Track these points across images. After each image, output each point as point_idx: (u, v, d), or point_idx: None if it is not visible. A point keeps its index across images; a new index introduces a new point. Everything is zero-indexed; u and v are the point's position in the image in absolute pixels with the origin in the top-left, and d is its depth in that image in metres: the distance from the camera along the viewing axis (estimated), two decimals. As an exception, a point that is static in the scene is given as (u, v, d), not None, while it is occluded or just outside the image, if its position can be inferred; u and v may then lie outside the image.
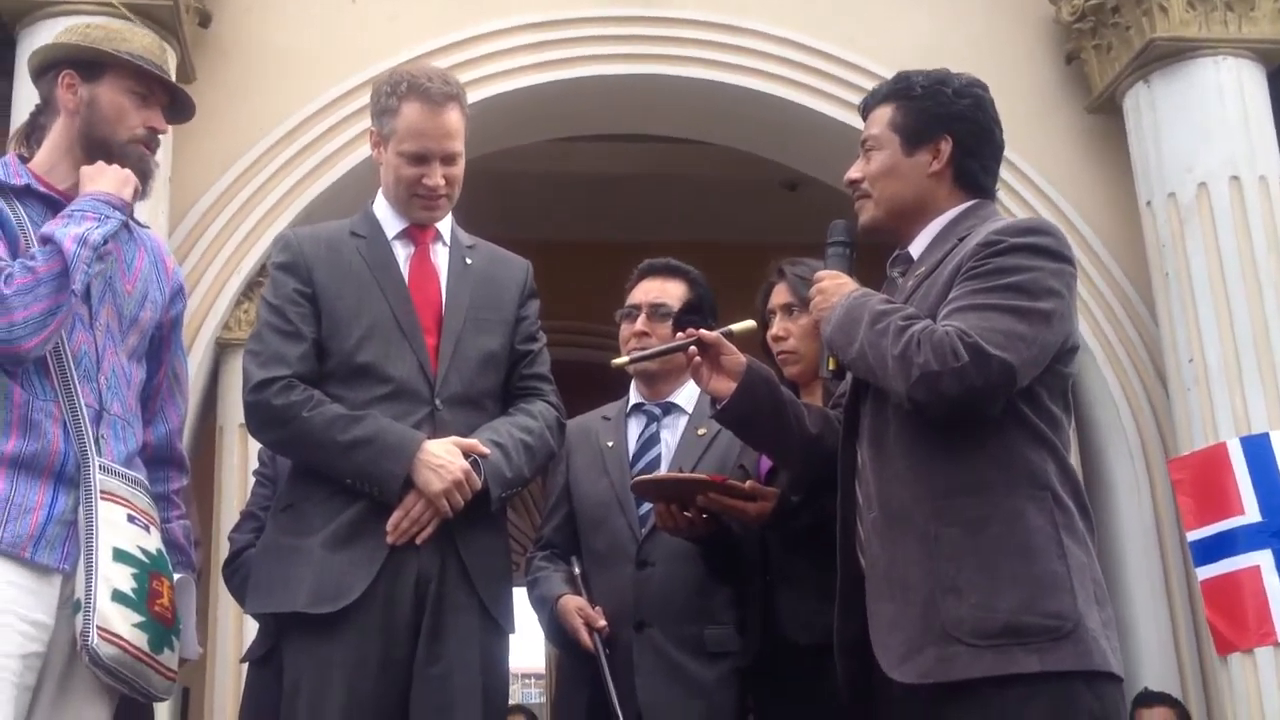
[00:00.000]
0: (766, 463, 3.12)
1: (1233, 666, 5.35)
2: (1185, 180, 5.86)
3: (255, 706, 3.26)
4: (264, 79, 5.96)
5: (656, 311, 3.31)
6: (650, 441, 3.31)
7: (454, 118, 2.85)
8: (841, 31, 6.34)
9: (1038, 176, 6.21)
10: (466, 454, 2.71)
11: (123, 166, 2.68)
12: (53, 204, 2.65)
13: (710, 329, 2.79)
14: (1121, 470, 6.21)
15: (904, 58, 5.71)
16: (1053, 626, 2.25)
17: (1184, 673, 5.91)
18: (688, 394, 3.35)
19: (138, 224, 2.82)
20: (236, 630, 5.38)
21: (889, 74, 5.74)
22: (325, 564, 2.67)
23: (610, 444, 3.32)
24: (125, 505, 2.56)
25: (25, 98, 5.17)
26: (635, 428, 3.35)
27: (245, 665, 3.55)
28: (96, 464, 2.54)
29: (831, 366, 2.60)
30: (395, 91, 2.85)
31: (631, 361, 3.06)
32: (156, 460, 2.80)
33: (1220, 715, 5.62)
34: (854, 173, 2.64)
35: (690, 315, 3.23)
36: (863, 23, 6.36)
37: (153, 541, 2.60)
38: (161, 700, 2.64)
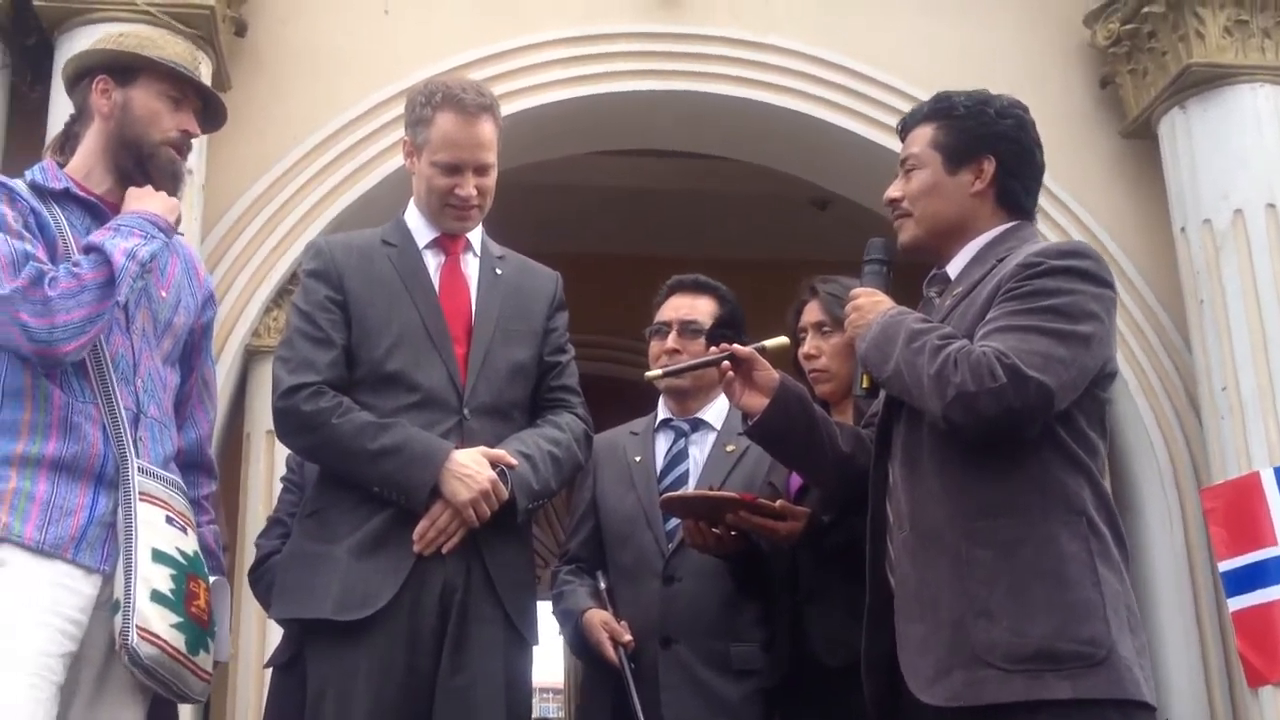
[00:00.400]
0: (797, 480, 3.10)
1: (1264, 699, 5.28)
2: (1221, 207, 5.82)
3: (279, 712, 3.25)
4: (298, 88, 5.99)
5: (687, 328, 3.30)
6: (678, 457, 3.30)
7: (487, 129, 2.86)
8: (873, 51, 6.33)
9: (1071, 200, 6.18)
10: (494, 464, 2.71)
11: (153, 168, 2.70)
12: (90, 208, 2.67)
13: (743, 345, 2.78)
14: (1153, 498, 6.15)
15: (936, 78, 5.70)
16: (1086, 653, 2.22)
17: (1214, 705, 5.83)
18: (716, 410, 3.34)
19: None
20: (260, 635, 5.38)
21: (921, 94, 5.75)
22: (351, 571, 2.67)
23: (638, 459, 3.30)
24: (163, 507, 2.58)
25: (63, 103, 5.19)
26: (663, 443, 3.34)
27: (268, 670, 3.56)
28: (135, 466, 2.56)
29: (865, 385, 2.58)
30: (430, 102, 2.86)
31: (665, 374, 3.05)
32: (187, 465, 2.81)
33: (1250, 749, 5.55)
34: (894, 191, 2.62)
35: (723, 330, 3.23)
36: (896, 42, 6.35)
37: (190, 543, 2.62)
38: (197, 701, 2.66)
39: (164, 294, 2.75)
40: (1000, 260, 2.46)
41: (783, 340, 2.96)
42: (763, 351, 2.77)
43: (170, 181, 2.74)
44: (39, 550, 2.46)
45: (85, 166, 2.72)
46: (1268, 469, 5.34)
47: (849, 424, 2.94)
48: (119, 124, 2.70)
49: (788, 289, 3.36)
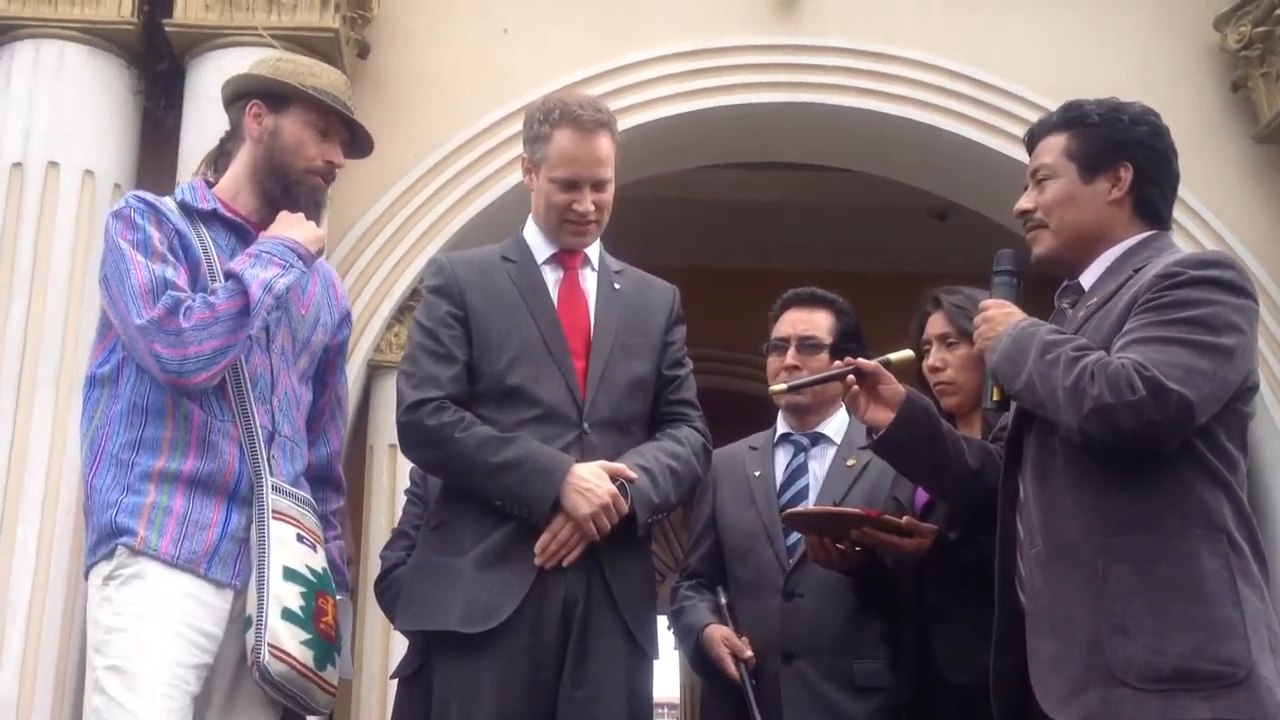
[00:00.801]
0: (923, 496, 3.05)
1: None
2: (1361, 213, 5.62)
3: (406, 722, 3.29)
4: (419, 107, 6.09)
5: (805, 343, 3.26)
6: (798, 472, 3.27)
7: (605, 144, 2.88)
8: (994, 57, 6.24)
9: (1203, 208, 6.02)
10: (614, 478, 2.72)
11: (297, 194, 2.77)
12: (236, 229, 2.75)
13: (867, 358, 2.75)
14: (1290, 514, 5.95)
15: (1059, 85, 5.61)
16: (1225, 673, 2.16)
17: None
18: (836, 425, 3.31)
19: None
20: (383, 647, 5.46)
21: (1043, 101, 5.65)
22: (475, 584, 2.69)
23: (757, 474, 3.29)
24: (295, 524, 2.64)
25: (194, 126, 5.38)
26: (783, 458, 3.32)
27: (392, 681, 3.60)
28: (269, 484, 2.62)
29: (995, 398, 2.54)
30: (548, 119, 2.88)
31: (791, 389, 3.02)
32: (317, 481, 2.88)
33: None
34: (1025, 203, 2.56)
35: (847, 344, 3.19)
36: (1017, 49, 6.25)
37: (319, 560, 2.68)
38: (322, 714, 2.72)
39: (303, 312, 2.82)
40: (1137, 271, 2.40)
41: (908, 353, 2.93)
42: (888, 365, 2.74)
43: (313, 209, 2.82)
44: (174, 564, 2.53)
45: (234, 187, 2.80)
46: None
47: (976, 438, 2.90)
48: (268, 150, 2.78)
49: (905, 301, 3.31)
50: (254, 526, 2.60)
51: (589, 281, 2.96)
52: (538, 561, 2.69)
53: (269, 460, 2.64)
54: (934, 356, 3.12)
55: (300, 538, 2.64)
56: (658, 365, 2.94)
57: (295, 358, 2.79)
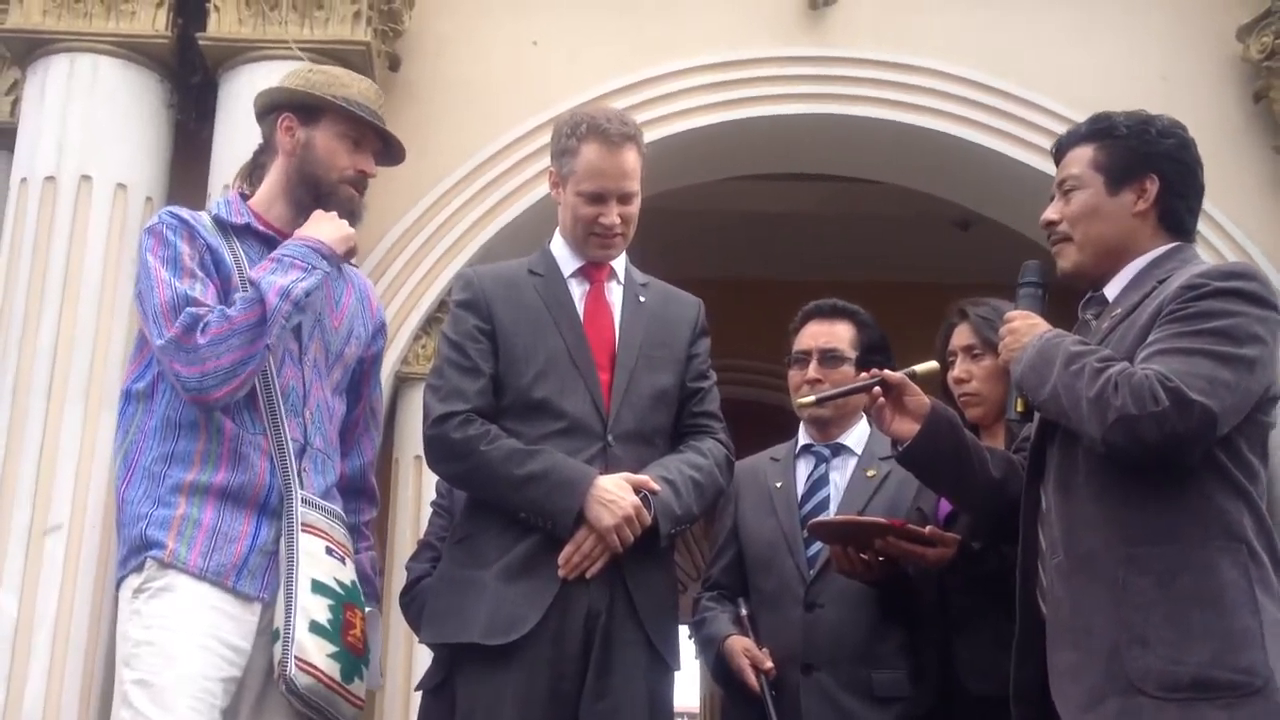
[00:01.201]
0: (946, 506, 3.07)
1: None
2: (1383, 222, 5.60)
3: (429, 734, 3.32)
4: (449, 119, 6.12)
5: (827, 356, 3.27)
6: (819, 483, 3.29)
7: (631, 158, 2.90)
8: (1018, 69, 6.24)
9: (1225, 219, 6.00)
10: (637, 490, 2.73)
11: (331, 205, 2.79)
12: (270, 242, 2.76)
13: (892, 370, 2.76)
14: (1314, 524, 5.91)
15: (1083, 97, 5.60)
16: (1242, 682, 2.17)
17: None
18: (857, 436, 3.33)
19: (347, 262, 2.94)
20: (406, 659, 5.48)
21: (1068, 112, 5.65)
22: (499, 596, 2.71)
23: (779, 485, 3.30)
24: (324, 538, 2.66)
25: (226, 139, 5.42)
26: (804, 469, 3.33)
27: (416, 693, 3.63)
28: (299, 497, 2.64)
29: (1020, 409, 2.55)
30: (575, 133, 2.91)
31: (818, 401, 3.03)
32: (350, 491, 2.90)
33: None
34: (1051, 214, 2.57)
35: (873, 355, 3.20)
36: (1040, 60, 6.25)
37: (347, 574, 2.69)
38: None
39: (337, 325, 2.83)
40: (1161, 282, 2.41)
41: (933, 365, 2.94)
42: (913, 376, 2.75)
43: (348, 219, 2.82)
44: (202, 576, 2.55)
45: (268, 200, 2.83)
46: None
47: (1001, 449, 2.91)
48: (300, 161, 2.80)
49: (930, 311, 3.32)
50: (283, 539, 2.61)
51: (615, 294, 2.99)
52: (561, 573, 2.70)
53: (299, 473, 2.66)
54: (959, 368, 3.14)
55: (329, 550, 2.65)
56: (682, 378, 2.95)
57: (329, 370, 2.80)
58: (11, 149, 5.69)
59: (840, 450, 3.32)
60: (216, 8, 5.64)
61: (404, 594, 3.53)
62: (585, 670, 2.70)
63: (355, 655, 2.64)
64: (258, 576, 2.60)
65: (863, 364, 3.18)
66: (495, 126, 6.10)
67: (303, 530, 2.61)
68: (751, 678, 3.06)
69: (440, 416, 2.80)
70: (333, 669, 2.56)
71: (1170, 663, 2.19)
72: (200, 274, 2.64)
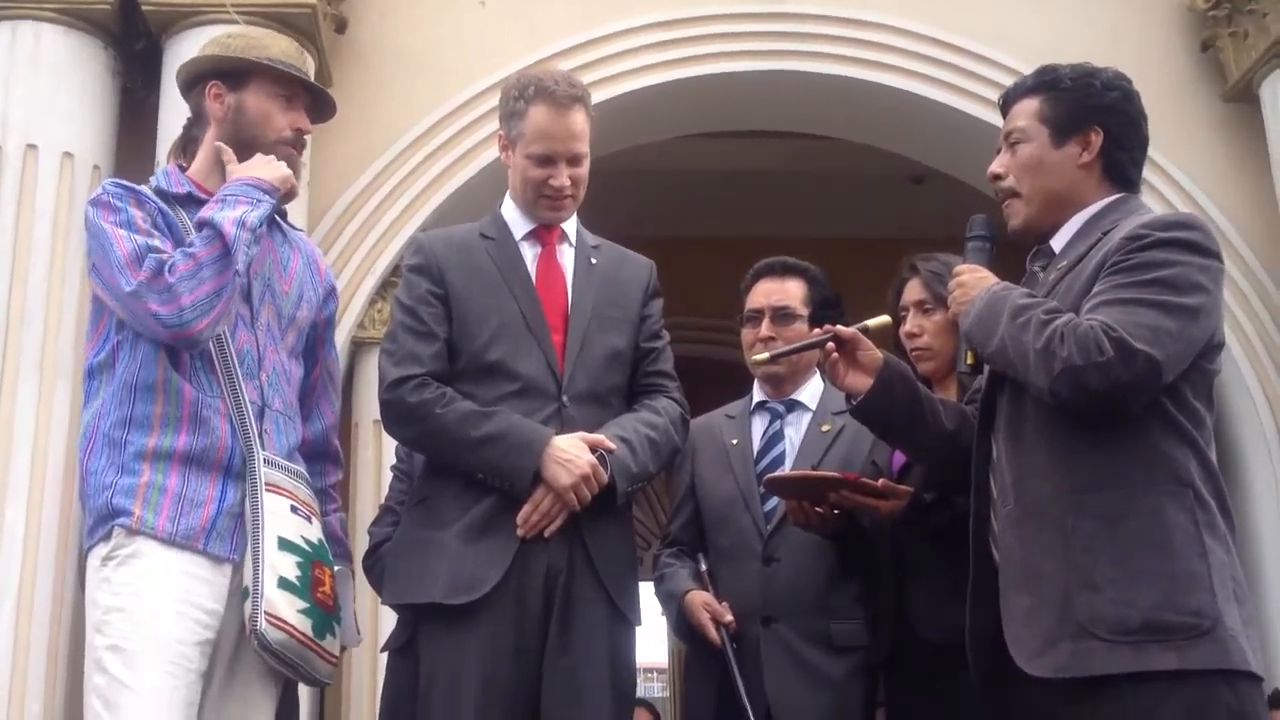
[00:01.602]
0: (900, 459, 3.10)
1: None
2: (1327, 169, 5.68)
3: (395, 693, 3.34)
4: (398, 82, 6.09)
5: (779, 314, 3.30)
6: (774, 439, 3.32)
7: (579, 120, 2.90)
8: (968, 24, 6.26)
9: (1172, 167, 6.07)
10: (593, 449, 2.75)
11: None
12: None
13: (845, 325, 2.79)
14: (1259, 467, 6.04)
15: (1033, 50, 5.64)
16: (1191, 624, 2.21)
17: (1324, 674, 5.71)
18: (811, 391, 3.36)
19: (292, 227, 2.93)
20: (373, 620, 5.49)
21: (1018, 66, 5.68)
22: (460, 556, 2.73)
23: (734, 442, 3.33)
24: (288, 496, 2.67)
25: (173, 107, 5.35)
26: (759, 425, 3.36)
27: (384, 654, 3.65)
28: (261, 457, 2.64)
29: (970, 361, 2.58)
30: (522, 95, 2.91)
31: (772, 358, 3.06)
32: (313, 455, 2.91)
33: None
34: (997, 167, 2.59)
35: (827, 311, 3.23)
36: (990, 15, 6.28)
37: (314, 531, 2.70)
38: (325, 684, 2.75)
39: (287, 289, 2.83)
40: (1106, 233, 2.44)
41: (885, 319, 2.97)
42: (866, 331, 2.77)
43: None
44: (171, 542, 2.55)
45: (205, 170, 2.81)
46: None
47: (952, 400, 2.94)
48: (234, 127, 2.79)
49: (883, 267, 3.34)
50: (247, 499, 2.61)
51: (566, 257, 2.99)
52: (520, 533, 2.72)
53: (261, 434, 2.66)
54: (911, 322, 3.17)
55: (294, 509, 2.66)
56: (635, 338, 2.97)
57: (282, 334, 2.80)
58: (-44, 120, 5.61)
59: (795, 406, 3.35)
60: (160, -29, 5.57)
61: (366, 557, 3.54)
62: (547, 628, 2.72)
63: (326, 612, 2.65)
64: (226, 539, 2.61)
65: (815, 320, 3.20)
66: (445, 89, 6.07)
67: (267, 490, 2.62)
68: (712, 632, 3.10)
69: (395, 380, 2.80)
70: (304, 624, 2.57)
71: (1120, 606, 2.23)
72: (156, 233, 2.64)
